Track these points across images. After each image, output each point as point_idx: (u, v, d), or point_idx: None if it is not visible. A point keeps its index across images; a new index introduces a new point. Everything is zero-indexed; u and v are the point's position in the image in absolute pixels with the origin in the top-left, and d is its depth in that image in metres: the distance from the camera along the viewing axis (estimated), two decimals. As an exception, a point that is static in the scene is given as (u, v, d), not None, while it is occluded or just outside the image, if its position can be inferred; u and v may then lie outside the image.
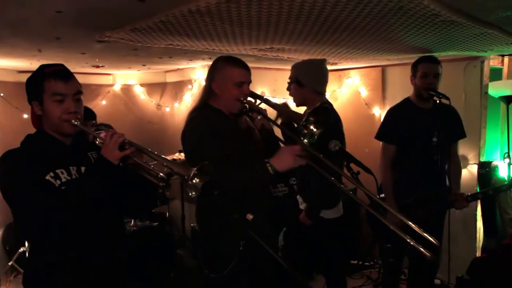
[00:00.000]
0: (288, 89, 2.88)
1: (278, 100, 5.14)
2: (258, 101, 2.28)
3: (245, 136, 2.21)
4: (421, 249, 1.60)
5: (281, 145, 2.26)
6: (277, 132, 2.30)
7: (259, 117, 2.14)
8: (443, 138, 2.88)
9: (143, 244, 3.92)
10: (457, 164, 3.08)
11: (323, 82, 2.85)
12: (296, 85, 2.81)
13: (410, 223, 1.74)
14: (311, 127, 2.02)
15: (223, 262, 2.04)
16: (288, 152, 1.94)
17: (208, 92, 2.17)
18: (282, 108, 2.35)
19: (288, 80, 2.88)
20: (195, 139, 2.07)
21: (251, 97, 2.21)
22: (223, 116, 2.15)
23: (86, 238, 1.66)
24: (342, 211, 2.93)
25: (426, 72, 2.86)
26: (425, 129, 2.89)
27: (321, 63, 2.86)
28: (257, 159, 2.00)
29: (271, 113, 2.29)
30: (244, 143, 2.16)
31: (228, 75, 2.11)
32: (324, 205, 2.80)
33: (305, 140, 1.99)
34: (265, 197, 2.25)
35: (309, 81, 2.78)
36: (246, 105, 2.13)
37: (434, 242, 1.66)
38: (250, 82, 2.16)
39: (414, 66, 2.95)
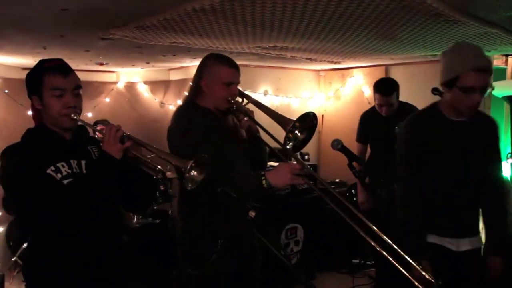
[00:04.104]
0: None
1: (281, 99, 5.16)
2: (246, 101, 2.22)
3: (232, 135, 2.18)
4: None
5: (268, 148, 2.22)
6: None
7: (245, 119, 2.10)
8: None
9: (145, 241, 3.94)
10: None
11: None
12: None
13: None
14: (296, 131, 2.02)
15: (202, 259, 2.02)
16: (286, 169, 1.89)
17: (196, 90, 2.14)
18: (269, 111, 2.24)
19: None
20: (182, 142, 2.03)
21: (240, 96, 2.17)
22: (211, 115, 2.10)
23: (85, 232, 1.65)
24: None
25: (381, 104, 3.31)
26: (387, 127, 3.30)
27: None
28: (255, 171, 1.97)
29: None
30: (232, 142, 2.13)
31: (217, 74, 2.06)
32: None
33: (290, 144, 2.00)
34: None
35: None
36: (233, 105, 2.09)
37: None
38: (238, 82, 2.13)
39: (374, 91, 3.37)
